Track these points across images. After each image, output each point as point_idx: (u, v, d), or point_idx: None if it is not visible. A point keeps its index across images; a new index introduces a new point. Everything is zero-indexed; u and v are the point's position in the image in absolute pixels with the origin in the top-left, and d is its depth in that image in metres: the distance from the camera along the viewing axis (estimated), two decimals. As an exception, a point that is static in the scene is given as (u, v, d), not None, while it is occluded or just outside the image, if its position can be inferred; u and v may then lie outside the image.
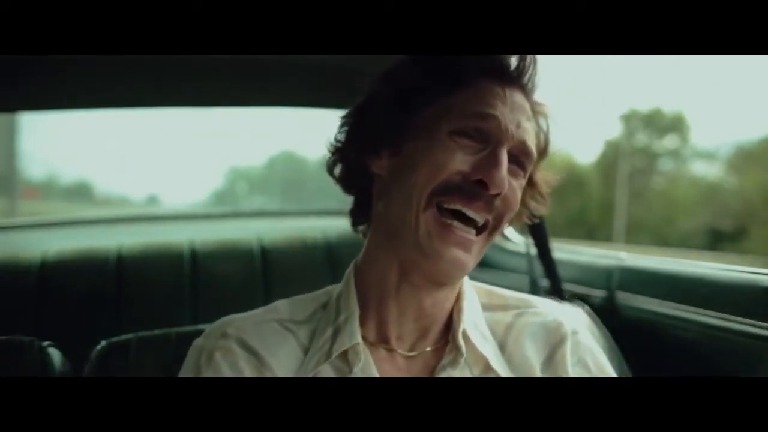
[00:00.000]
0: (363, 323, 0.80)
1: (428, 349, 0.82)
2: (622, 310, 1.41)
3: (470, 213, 0.75)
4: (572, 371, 0.81)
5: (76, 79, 1.43)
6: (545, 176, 0.85)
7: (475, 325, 0.82)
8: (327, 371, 0.78)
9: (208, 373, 0.77)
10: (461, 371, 0.79)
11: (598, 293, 1.48)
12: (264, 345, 0.79)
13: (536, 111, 0.82)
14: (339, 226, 1.67)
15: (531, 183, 0.83)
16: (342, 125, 0.85)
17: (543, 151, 0.83)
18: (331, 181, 0.88)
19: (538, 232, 1.58)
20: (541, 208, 0.86)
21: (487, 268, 1.87)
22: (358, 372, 0.77)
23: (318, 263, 1.80)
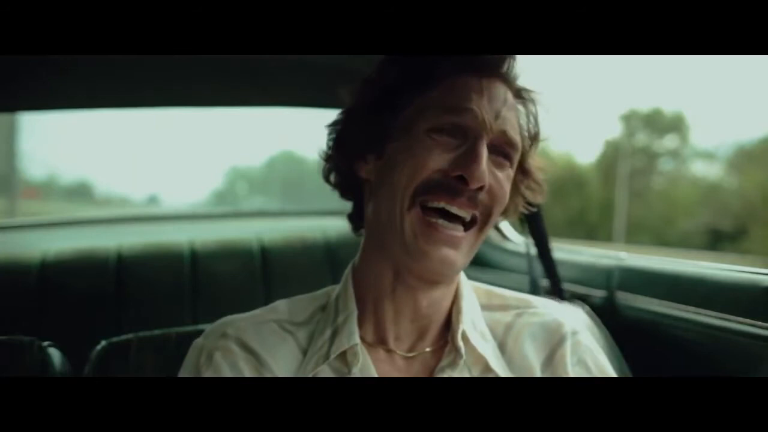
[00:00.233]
0: (361, 324, 0.80)
1: (427, 349, 0.81)
2: (622, 310, 1.41)
3: (454, 210, 0.75)
4: (572, 371, 0.81)
5: (76, 79, 1.43)
6: (538, 163, 0.83)
7: (474, 326, 0.82)
8: (326, 372, 0.78)
9: (207, 373, 0.77)
10: (460, 372, 0.78)
11: (598, 293, 1.48)
12: (263, 346, 0.79)
13: (521, 98, 0.80)
14: (339, 226, 1.67)
15: (524, 171, 0.82)
16: (329, 134, 0.85)
17: (533, 138, 0.82)
18: None
19: (538, 232, 1.57)
20: (537, 196, 0.85)
21: (487, 268, 1.88)
22: (356, 373, 0.77)
23: (318, 263, 1.80)
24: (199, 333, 0.84)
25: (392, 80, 0.79)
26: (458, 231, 0.76)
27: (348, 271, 0.85)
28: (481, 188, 0.74)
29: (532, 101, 0.81)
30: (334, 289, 0.86)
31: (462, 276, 0.85)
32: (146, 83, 1.53)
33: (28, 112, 2.04)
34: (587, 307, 1.44)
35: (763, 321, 1.08)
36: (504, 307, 0.86)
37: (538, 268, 1.59)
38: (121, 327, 1.45)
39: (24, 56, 0.95)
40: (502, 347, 0.82)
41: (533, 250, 1.60)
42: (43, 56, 1.10)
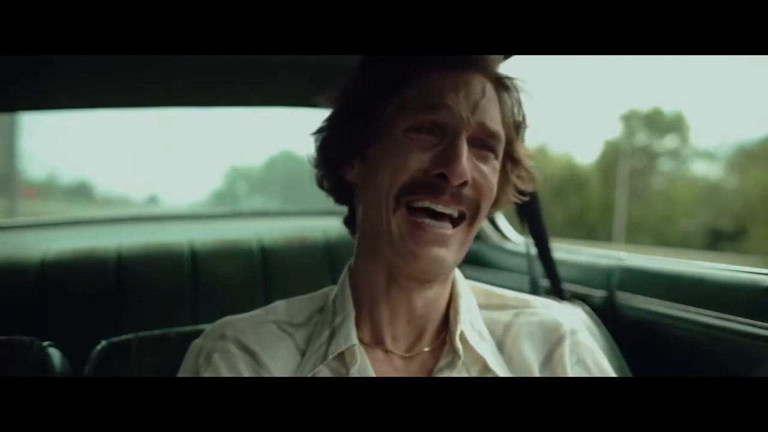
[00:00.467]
0: (359, 325, 0.80)
1: (426, 350, 0.81)
2: (622, 310, 1.40)
3: (439, 208, 0.74)
4: (571, 371, 0.81)
5: (76, 79, 1.43)
6: (527, 150, 0.83)
7: (472, 325, 0.82)
8: (324, 373, 0.78)
9: (206, 374, 0.77)
10: (459, 373, 0.78)
11: (598, 293, 1.48)
12: (262, 347, 0.79)
13: (502, 86, 0.79)
14: (339, 226, 1.67)
15: (513, 160, 0.81)
16: (315, 141, 0.85)
17: (518, 126, 0.81)
18: None
19: (537, 232, 1.57)
20: (528, 185, 0.84)
21: (487, 268, 1.88)
22: (354, 373, 0.77)
23: (318, 263, 1.80)
24: (198, 333, 0.84)
25: (368, 83, 0.79)
26: (446, 229, 0.75)
27: (345, 272, 0.85)
28: (464, 184, 0.74)
29: (514, 88, 0.80)
30: (332, 290, 0.86)
31: (458, 275, 0.85)
32: (146, 83, 1.52)
33: (28, 112, 2.04)
34: (587, 307, 1.44)
35: (763, 321, 1.08)
36: (502, 307, 0.86)
37: (538, 268, 1.59)
38: (121, 327, 1.45)
39: (24, 56, 0.95)
40: (500, 347, 0.82)
41: (533, 250, 1.60)
42: (43, 56, 1.10)
